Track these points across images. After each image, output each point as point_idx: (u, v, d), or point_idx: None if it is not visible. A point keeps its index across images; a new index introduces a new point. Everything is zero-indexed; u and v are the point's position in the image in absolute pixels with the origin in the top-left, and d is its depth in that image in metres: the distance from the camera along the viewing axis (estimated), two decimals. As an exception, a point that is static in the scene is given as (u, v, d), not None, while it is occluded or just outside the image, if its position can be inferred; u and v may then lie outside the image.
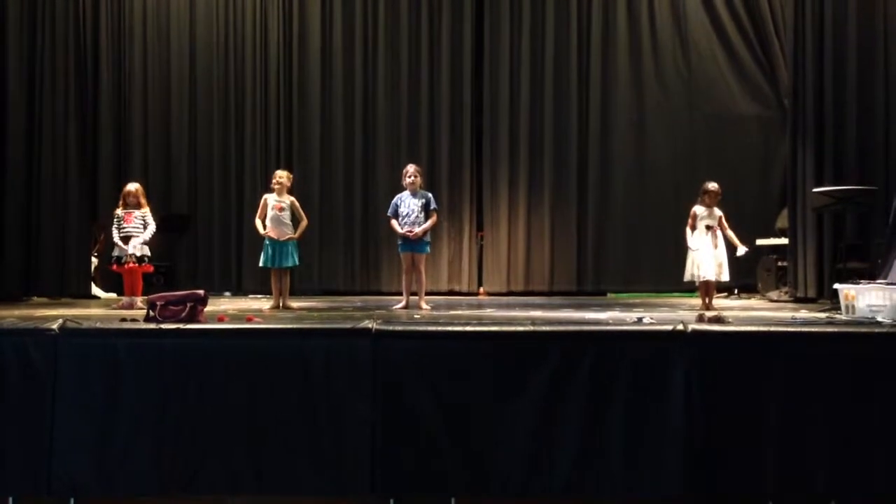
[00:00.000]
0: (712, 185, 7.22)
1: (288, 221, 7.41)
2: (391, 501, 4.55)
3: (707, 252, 7.06)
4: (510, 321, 5.61)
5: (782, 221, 9.09)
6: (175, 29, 10.39)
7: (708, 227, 7.13)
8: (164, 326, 4.72)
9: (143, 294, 7.28)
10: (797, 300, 8.16)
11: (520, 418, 4.47)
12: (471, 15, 10.24)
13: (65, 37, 9.29)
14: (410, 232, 7.40)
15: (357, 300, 8.99)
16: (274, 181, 7.48)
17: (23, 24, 8.97)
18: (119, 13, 10.20)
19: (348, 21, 10.35)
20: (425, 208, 7.47)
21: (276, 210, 7.37)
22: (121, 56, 10.22)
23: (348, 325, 4.80)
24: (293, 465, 4.56)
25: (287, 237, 7.36)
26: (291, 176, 7.72)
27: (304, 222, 7.55)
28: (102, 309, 7.48)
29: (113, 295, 8.97)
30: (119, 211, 7.78)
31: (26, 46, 9.02)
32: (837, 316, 6.00)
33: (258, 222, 7.42)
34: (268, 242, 7.37)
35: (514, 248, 10.22)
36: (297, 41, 10.36)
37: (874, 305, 5.53)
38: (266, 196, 7.50)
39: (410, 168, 7.64)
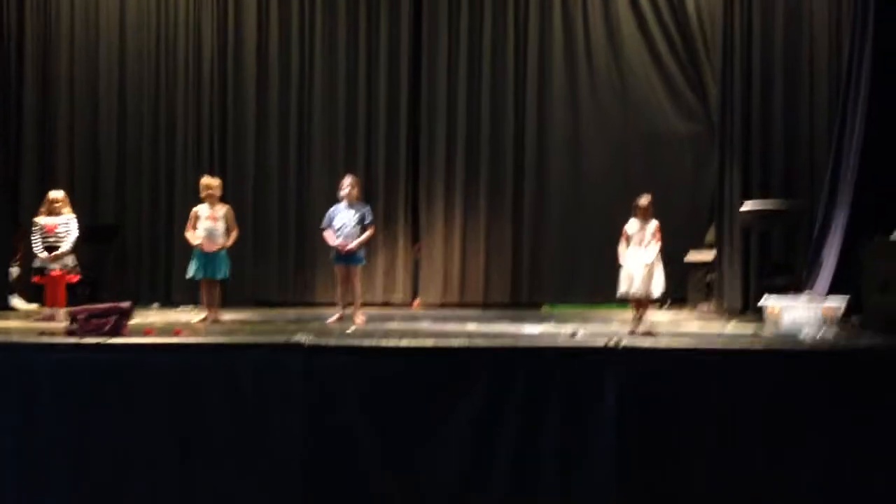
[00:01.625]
0: (642, 200, 7.31)
1: (222, 232, 7.25)
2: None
3: (638, 268, 7.14)
4: (444, 335, 5.59)
5: (711, 236, 9.28)
6: (104, 32, 10.10)
7: (640, 243, 7.20)
8: (85, 341, 4.58)
9: (67, 306, 7.04)
10: (724, 313, 8.32)
11: (454, 435, 4.45)
12: (408, 25, 10.21)
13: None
14: (344, 246, 7.33)
15: (291, 312, 8.84)
16: (206, 192, 7.28)
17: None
18: (45, 14, 9.88)
19: (284, 28, 10.21)
20: (361, 221, 7.41)
21: (211, 221, 7.19)
22: (45, 59, 9.89)
23: (280, 340, 4.73)
24: (222, 483, 4.46)
25: (217, 247, 7.20)
26: (221, 183, 7.55)
27: (236, 233, 7.39)
28: (21, 321, 7.21)
29: (34, 306, 8.65)
30: (41, 219, 7.53)
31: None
32: (763, 330, 6.14)
33: (190, 234, 7.24)
34: (197, 253, 7.20)
35: (449, 260, 10.21)
36: (232, 48, 10.18)
37: (799, 319, 5.68)
38: (197, 208, 7.31)
39: (347, 179, 7.57)
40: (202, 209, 7.26)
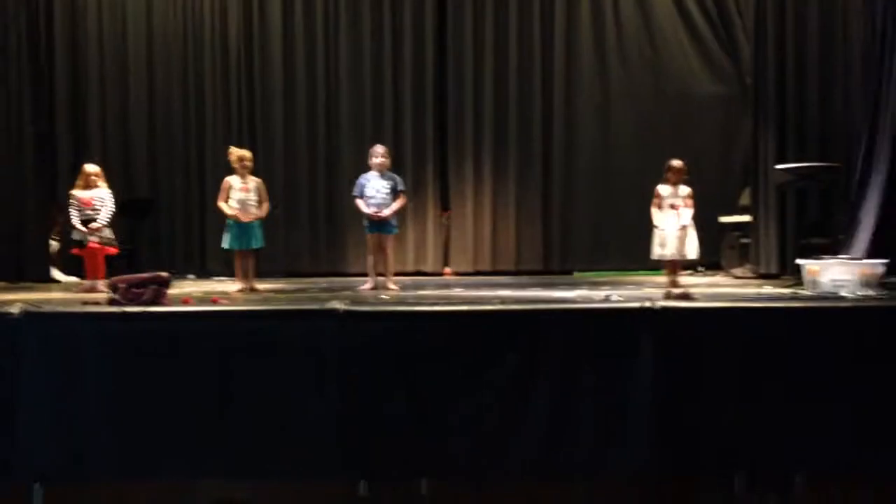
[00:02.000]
0: (675, 163, 7.26)
1: (255, 203, 7.32)
2: (361, 484, 4.53)
3: (671, 230, 7.11)
4: (478, 301, 5.61)
5: (745, 199, 9.19)
6: (131, 8, 10.14)
7: (672, 206, 7.16)
8: (127, 309, 4.65)
9: (106, 277, 7.16)
10: (760, 276, 8.26)
11: (488, 399, 4.47)
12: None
13: (16, 15, 9.06)
14: (377, 213, 7.36)
15: (323, 281, 8.92)
16: (241, 163, 7.33)
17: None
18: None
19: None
20: (393, 190, 7.44)
21: (243, 192, 7.26)
22: (75, 33, 9.95)
23: (315, 307, 4.77)
24: (260, 448, 4.52)
25: (252, 217, 7.27)
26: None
27: (266, 205, 7.45)
28: (63, 293, 7.35)
29: (74, 279, 8.80)
30: (77, 192, 7.63)
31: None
32: (801, 292, 6.09)
33: (222, 205, 7.30)
34: (231, 223, 7.27)
35: (480, 228, 10.21)
36: (258, 18, 10.18)
37: (838, 280, 5.63)
38: (229, 178, 7.37)
39: (379, 149, 7.59)
40: (234, 180, 7.32)
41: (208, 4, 10.16)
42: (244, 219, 7.21)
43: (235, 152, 7.44)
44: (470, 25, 10.13)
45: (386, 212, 7.36)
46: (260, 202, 7.36)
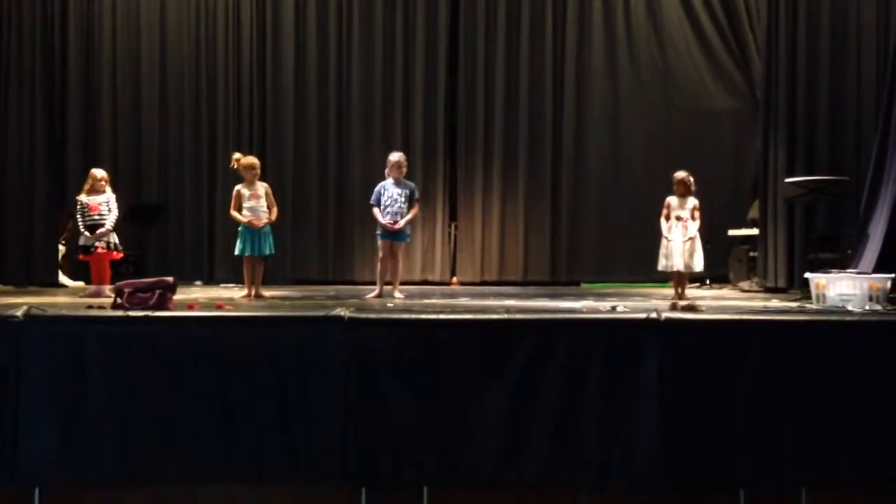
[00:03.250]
0: (677, 175, 7.24)
1: (265, 210, 7.32)
2: (363, 491, 4.51)
3: (677, 242, 7.08)
4: (484, 310, 5.59)
5: (754, 212, 9.15)
6: (145, 13, 10.21)
7: (678, 218, 7.14)
8: (131, 314, 4.65)
9: (111, 282, 7.16)
10: (768, 290, 8.22)
11: (493, 407, 4.45)
12: (446, 4, 10.17)
13: (31, 20, 9.13)
14: (393, 223, 7.35)
15: (330, 289, 8.92)
16: (251, 171, 7.32)
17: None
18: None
19: (322, 7, 10.24)
20: (408, 198, 7.44)
21: (253, 200, 7.26)
22: (89, 39, 10.03)
23: (321, 313, 4.75)
24: (263, 454, 4.51)
25: (265, 222, 7.27)
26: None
27: (276, 210, 7.45)
28: (69, 297, 7.36)
29: (81, 283, 8.83)
30: (83, 198, 7.64)
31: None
32: (808, 305, 6.05)
33: (235, 214, 7.29)
34: (243, 230, 7.26)
35: (487, 238, 10.21)
36: (271, 27, 10.24)
37: (845, 294, 5.59)
38: (238, 187, 7.37)
39: (401, 158, 7.57)
40: (244, 189, 7.31)
41: (222, 12, 10.21)
42: (258, 224, 7.21)
43: (242, 160, 7.43)
44: (482, 37, 10.16)
45: (401, 223, 7.36)
46: (269, 207, 7.36)
